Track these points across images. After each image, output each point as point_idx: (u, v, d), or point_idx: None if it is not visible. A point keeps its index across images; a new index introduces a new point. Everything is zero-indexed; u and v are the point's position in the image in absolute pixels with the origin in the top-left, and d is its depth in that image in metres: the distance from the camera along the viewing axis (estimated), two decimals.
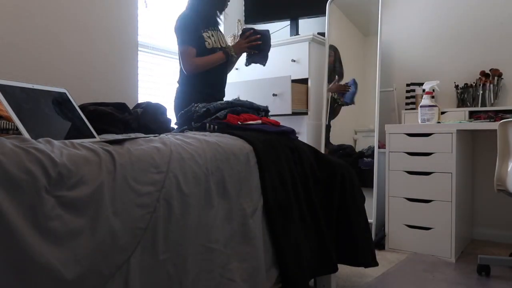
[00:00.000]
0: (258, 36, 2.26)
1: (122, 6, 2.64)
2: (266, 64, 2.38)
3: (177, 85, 2.38)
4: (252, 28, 2.30)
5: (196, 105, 1.75)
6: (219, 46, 2.30)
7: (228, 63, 2.38)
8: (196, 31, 2.23)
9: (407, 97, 3.00)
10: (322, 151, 2.88)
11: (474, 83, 2.71)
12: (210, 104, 1.71)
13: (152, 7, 3.02)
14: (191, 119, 1.71)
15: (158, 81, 3.07)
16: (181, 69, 2.31)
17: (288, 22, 3.36)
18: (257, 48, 2.29)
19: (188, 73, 2.25)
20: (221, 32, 2.40)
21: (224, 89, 2.44)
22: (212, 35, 2.29)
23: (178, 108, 2.30)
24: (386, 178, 2.53)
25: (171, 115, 1.79)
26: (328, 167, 1.66)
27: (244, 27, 2.50)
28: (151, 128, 1.66)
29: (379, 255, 2.35)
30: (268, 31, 2.32)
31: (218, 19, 2.40)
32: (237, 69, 3.02)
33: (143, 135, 1.31)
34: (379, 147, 2.72)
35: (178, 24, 2.24)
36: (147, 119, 1.70)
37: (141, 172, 0.98)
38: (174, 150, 1.11)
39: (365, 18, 2.96)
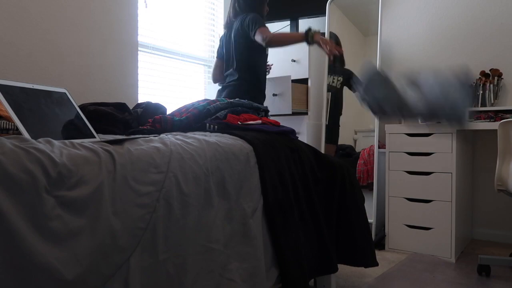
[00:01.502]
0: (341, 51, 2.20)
1: (122, 6, 2.64)
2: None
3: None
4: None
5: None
6: None
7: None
8: None
9: None
10: (322, 151, 2.88)
11: (474, 83, 2.71)
12: (210, 105, 1.71)
13: (152, 7, 3.02)
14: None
15: (158, 81, 3.07)
16: (243, 64, 2.42)
17: (288, 22, 3.36)
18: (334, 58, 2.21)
19: (265, 42, 2.24)
20: None
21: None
22: None
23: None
24: (386, 178, 2.53)
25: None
26: (328, 167, 1.66)
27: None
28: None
29: (379, 255, 2.35)
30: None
31: None
32: None
33: (143, 135, 1.31)
34: (379, 147, 2.72)
35: (253, 15, 2.36)
36: (147, 119, 1.70)
37: (141, 172, 0.98)
38: (174, 150, 1.11)
39: (365, 18, 2.96)
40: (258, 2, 2.55)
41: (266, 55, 2.54)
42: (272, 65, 2.84)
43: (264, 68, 2.52)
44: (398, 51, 3.09)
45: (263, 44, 2.26)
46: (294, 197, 1.46)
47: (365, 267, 1.66)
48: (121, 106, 1.71)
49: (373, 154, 2.71)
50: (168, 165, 1.05)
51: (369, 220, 1.85)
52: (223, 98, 1.80)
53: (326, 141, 2.94)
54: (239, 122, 1.65)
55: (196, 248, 1.07)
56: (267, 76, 2.94)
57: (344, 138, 2.95)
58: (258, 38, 2.27)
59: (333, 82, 3.00)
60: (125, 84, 2.66)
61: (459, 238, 2.37)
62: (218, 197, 1.19)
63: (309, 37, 2.17)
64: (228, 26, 2.59)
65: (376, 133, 2.72)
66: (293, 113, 2.85)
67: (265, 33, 2.24)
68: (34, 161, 0.79)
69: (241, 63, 2.45)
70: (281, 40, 2.28)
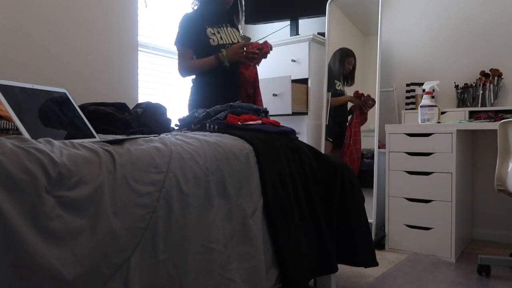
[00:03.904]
0: (257, 52, 2.12)
1: (122, 6, 2.64)
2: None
3: (190, 84, 2.31)
4: (253, 43, 2.19)
5: (196, 110, 1.77)
6: (227, 43, 2.19)
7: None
8: (196, 30, 2.17)
9: (407, 97, 3.00)
10: (322, 151, 2.88)
11: (474, 83, 2.71)
12: (210, 109, 1.71)
13: (152, 7, 3.02)
14: (191, 123, 1.72)
15: (158, 81, 3.07)
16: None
17: (288, 22, 3.36)
18: (251, 61, 2.18)
19: (181, 75, 2.24)
20: (234, 28, 2.30)
21: (239, 89, 2.32)
22: (219, 32, 2.20)
23: (192, 108, 2.22)
24: (386, 178, 2.53)
25: (171, 115, 1.79)
26: (328, 167, 1.66)
27: (243, 34, 2.37)
28: (151, 128, 1.65)
29: (379, 255, 2.35)
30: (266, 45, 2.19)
31: (235, 17, 2.33)
32: None
33: (143, 135, 1.31)
34: (379, 147, 2.72)
35: (179, 23, 2.21)
36: (147, 119, 1.70)
37: (141, 172, 0.98)
38: (174, 150, 1.11)
39: (365, 18, 2.96)
40: None
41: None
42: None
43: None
44: (398, 51, 3.09)
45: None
46: (294, 197, 1.46)
47: (365, 267, 1.66)
48: (121, 106, 1.71)
49: (354, 136, 2.72)
50: (168, 165, 1.05)
51: (369, 220, 1.85)
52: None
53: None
54: (239, 123, 1.65)
55: (196, 248, 1.07)
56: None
57: None
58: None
59: (339, 87, 3.00)
60: (125, 84, 2.66)
61: (459, 238, 2.37)
62: (218, 197, 1.19)
63: (221, 58, 2.10)
64: None
65: (376, 133, 2.72)
66: (293, 113, 2.85)
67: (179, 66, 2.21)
68: (34, 161, 0.79)
69: None
70: (194, 70, 2.21)
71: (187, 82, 3.27)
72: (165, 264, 0.98)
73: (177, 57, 2.23)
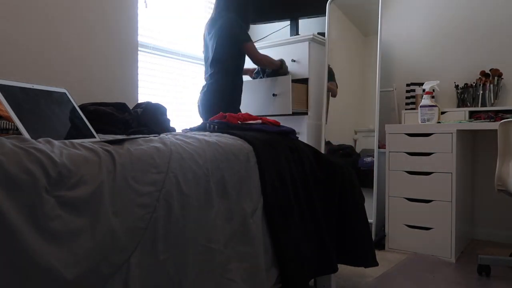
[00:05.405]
0: None
1: (122, 6, 2.64)
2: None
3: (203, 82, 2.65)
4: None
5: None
6: None
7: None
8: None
9: (407, 97, 3.00)
10: (322, 151, 2.88)
11: (474, 83, 2.71)
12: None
13: (152, 7, 3.02)
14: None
15: (158, 81, 3.07)
16: (219, 69, 2.54)
17: (288, 22, 3.36)
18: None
19: (259, 64, 2.73)
20: None
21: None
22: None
23: (214, 106, 2.50)
24: (386, 178, 2.53)
25: (171, 115, 1.79)
26: (328, 167, 1.66)
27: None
28: (151, 128, 1.66)
29: (379, 255, 2.34)
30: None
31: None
32: None
33: (143, 135, 1.31)
34: (379, 147, 2.72)
35: (235, 23, 2.51)
36: (147, 119, 1.70)
37: (141, 172, 0.98)
38: (174, 150, 1.11)
39: (365, 18, 2.96)
40: (241, 2, 2.62)
41: (244, 61, 2.65)
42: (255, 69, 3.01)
43: (241, 74, 2.64)
44: (398, 51, 3.09)
45: (253, 60, 2.65)
46: (294, 197, 1.46)
47: (365, 267, 1.66)
48: (121, 106, 1.71)
49: None
50: (168, 165, 1.05)
51: (369, 220, 1.85)
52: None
53: None
54: (239, 122, 1.65)
55: (196, 248, 1.07)
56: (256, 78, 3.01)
57: (344, 138, 2.95)
58: (249, 52, 2.56)
59: None
60: (125, 84, 2.66)
61: (459, 238, 2.37)
62: (218, 197, 1.19)
63: (283, 67, 2.82)
64: (208, 26, 2.65)
65: (376, 133, 2.72)
66: (293, 113, 2.85)
67: (256, 52, 2.61)
68: (34, 161, 0.79)
69: (220, 64, 2.53)
70: (266, 64, 2.76)
71: (187, 83, 3.26)
72: (165, 264, 0.98)
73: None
